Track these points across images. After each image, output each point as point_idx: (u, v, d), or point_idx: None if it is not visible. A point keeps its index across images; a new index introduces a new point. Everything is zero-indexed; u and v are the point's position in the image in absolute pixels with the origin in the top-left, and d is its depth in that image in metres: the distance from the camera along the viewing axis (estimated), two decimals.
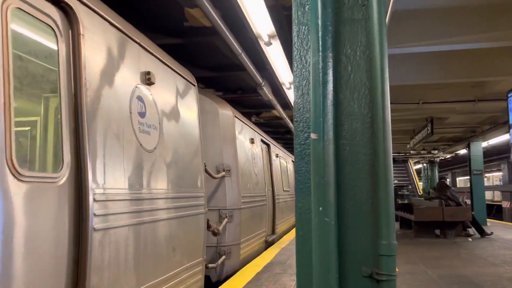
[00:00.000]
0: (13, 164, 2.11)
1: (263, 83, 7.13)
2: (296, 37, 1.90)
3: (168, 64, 4.15)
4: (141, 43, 3.58)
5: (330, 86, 1.76)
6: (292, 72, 1.94)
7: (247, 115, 10.20)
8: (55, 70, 2.63)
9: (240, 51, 5.51)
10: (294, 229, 11.95)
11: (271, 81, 7.45)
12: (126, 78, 3.24)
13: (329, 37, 1.77)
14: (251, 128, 8.10)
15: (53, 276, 2.36)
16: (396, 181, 20.96)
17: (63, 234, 2.47)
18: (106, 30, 3.02)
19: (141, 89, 3.46)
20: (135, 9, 5.00)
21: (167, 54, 4.25)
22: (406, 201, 14.63)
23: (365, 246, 1.72)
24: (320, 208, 1.66)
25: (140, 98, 3.41)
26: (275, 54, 5.52)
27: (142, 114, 3.43)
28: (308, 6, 1.87)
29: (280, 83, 7.08)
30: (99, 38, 2.90)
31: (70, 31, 2.66)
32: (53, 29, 2.55)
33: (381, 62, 1.76)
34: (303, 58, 1.89)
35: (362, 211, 1.75)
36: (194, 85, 4.96)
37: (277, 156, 10.86)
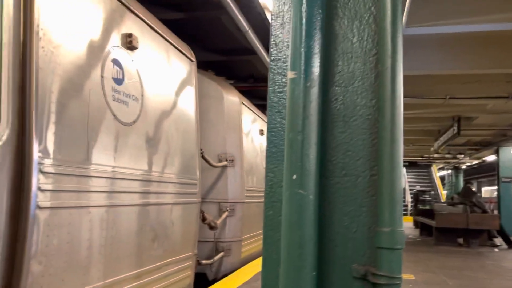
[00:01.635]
0: None
1: None
2: None
3: (160, 32, 3.68)
4: (124, 2, 3.12)
5: (318, 7, 1.23)
6: None
7: (262, 108, 9.69)
8: None
9: (247, 28, 5.02)
10: None
11: None
12: (99, 36, 2.79)
13: None
14: (261, 119, 7.60)
15: None
16: (418, 186, 20.05)
17: None
18: None
19: (120, 52, 3.00)
20: None
21: (159, 21, 3.79)
22: (427, 207, 13.83)
23: (358, 235, 1.19)
24: (294, 176, 1.14)
25: (117, 62, 2.95)
26: None
27: (118, 81, 2.96)
28: None
29: None
30: None
31: None
32: None
33: None
34: None
35: (357, 185, 1.22)
36: (193, 61, 4.49)
37: None
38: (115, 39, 2.97)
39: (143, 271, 3.19)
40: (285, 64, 1.35)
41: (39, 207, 2.15)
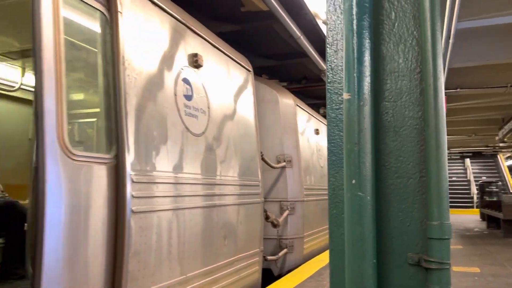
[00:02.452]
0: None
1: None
2: None
3: (220, 47, 4.02)
4: (190, 26, 3.49)
5: (366, 36, 1.46)
6: (326, 26, 1.66)
7: (315, 107, 9.85)
8: (94, 51, 2.62)
9: (299, 34, 5.25)
10: None
11: None
12: (171, 60, 3.16)
13: None
14: (316, 118, 7.78)
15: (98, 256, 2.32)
16: (484, 177, 19.13)
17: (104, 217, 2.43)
18: (148, 9, 2.95)
19: (188, 71, 3.36)
20: None
21: (220, 39, 4.13)
22: (494, 199, 13.23)
23: (411, 229, 1.41)
24: (353, 181, 1.38)
25: (186, 80, 3.32)
26: None
27: (188, 97, 3.33)
28: None
29: None
30: (139, 17, 2.84)
31: (107, 9, 2.62)
32: (96, 8, 2.53)
33: (431, 6, 1.43)
34: (337, 8, 1.61)
35: (408, 186, 1.43)
36: (250, 71, 4.80)
37: None
38: (184, 60, 3.33)
39: (218, 266, 3.53)
40: (340, 85, 1.59)
41: (133, 211, 2.54)
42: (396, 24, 1.52)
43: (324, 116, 9.83)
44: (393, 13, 1.53)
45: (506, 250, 7.38)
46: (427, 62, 1.41)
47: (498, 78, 7.49)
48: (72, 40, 2.45)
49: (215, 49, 3.93)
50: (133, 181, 2.55)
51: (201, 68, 3.55)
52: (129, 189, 2.51)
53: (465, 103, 8.91)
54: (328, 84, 1.60)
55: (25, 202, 4.72)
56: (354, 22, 1.45)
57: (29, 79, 5.12)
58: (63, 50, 2.24)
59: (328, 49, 1.62)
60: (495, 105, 9.62)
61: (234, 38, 5.46)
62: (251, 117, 4.63)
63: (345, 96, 1.45)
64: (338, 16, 1.61)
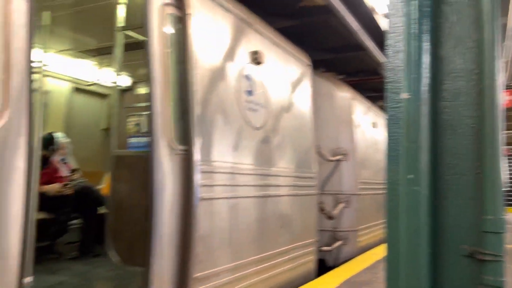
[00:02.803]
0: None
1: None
2: None
3: (279, 43, 4.17)
4: (251, 23, 3.66)
5: (426, 39, 1.55)
6: (388, 29, 1.77)
7: (373, 99, 9.72)
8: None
9: (356, 28, 5.26)
10: None
11: None
12: (235, 57, 3.35)
13: None
14: (373, 111, 7.71)
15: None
16: None
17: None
18: (214, 10, 3.15)
19: (250, 68, 3.54)
20: None
21: (279, 34, 4.27)
22: None
23: (465, 222, 1.49)
24: (410, 176, 1.48)
25: (248, 77, 3.50)
26: None
27: (249, 93, 3.51)
28: None
29: None
30: (207, 18, 3.04)
31: (179, 11, 2.84)
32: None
33: (491, 8, 1.48)
34: (398, 11, 1.70)
35: (463, 182, 1.51)
36: (309, 65, 4.90)
37: None
38: (246, 57, 3.51)
39: (274, 253, 3.72)
40: (399, 85, 1.68)
41: (201, 198, 2.77)
42: (455, 27, 1.59)
43: (382, 109, 9.68)
44: (451, 16, 1.59)
45: None
46: (485, 63, 1.47)
47: None
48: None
49: (275, 45, 4.08)
50: (201, 171, 2.78)
51: (261, 65, 3.72)
52: (198, 178, 2.74)
53: None
54: (388, 84, 1.70)
55: (99, 187, 5.19)
56: (414, 26, 1.54)
57: (104, 75, 5.57)
58: (166, 61, 2.53)
59: (388, 50, 1.72)
60: None
61: (292, 33, 5.57)
62: (308, 110, 4.74)
63: (405, 96, 1.55)
64: (398, 19, 1.69)
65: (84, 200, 4.67)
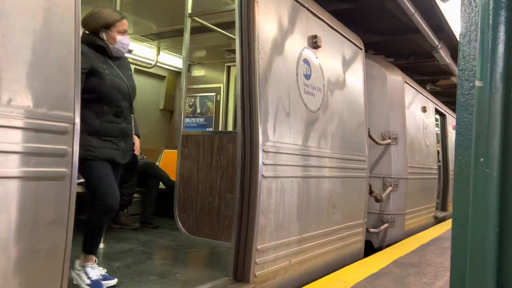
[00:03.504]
0: None
1: (439, 46, 6.57)
2: None
3: (335, 28, 4.23)
4: (309, 8, 3.74)
5: (501, 29, 1.61)
6: (460, 18, 1.83)
7: (422, 83, 9.53)
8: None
9: (413, 11, 5.20)
10: None
11: (449, 42, 6.80)
12: (294, 42, 3.47)
13: None
14: (424, 95, 7.60)
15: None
16: None
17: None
18: None
19: (308, 52, 3.65)
20: None
21: (334, 18, 4.33)
22: None
23: None
24: (481, 159, 1.58)
25: (306, 61, 3.61)
26: (453, 11, 5.02)
27: (307, 76, 3.63)
28: None
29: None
30: (271, 4, 3.17)
31: None
32: None
33: None
34: (472, 2, 1.76)
35: None
36: (361, 49, 4.93)
37: (453, 127, 9.92)
38: (305, 41, 3.62)
39: (328, 231, 3.88)
40: (472, 73, 1.75)
41: (263, 176, 2.95)
42: None
43: (432, 93, 9.48)
44: None
45: None
46: None
47: None
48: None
49: (331, 29, 4.15)
50: (263, 151, 2.95)
51: (319, 49, 3.81)
52: (261, 156, 2.92)
53: None
54: (460, 72, 1.78)
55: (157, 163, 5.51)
56: (490, 17, 1.60)
57: (163, 58, 5.84)
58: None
59: (461, 39, 1.79)
60: None
61: (344, 15, 5.58)
62: (360, 94, 4.79)
63: (477, 83, 1.62)
64: (472, 9, 1.75)
65: (146, 175, 4.99)
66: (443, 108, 9.22)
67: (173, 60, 6.11)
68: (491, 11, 1.64)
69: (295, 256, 3.37)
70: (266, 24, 3.08)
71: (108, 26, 2.69)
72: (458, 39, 6.21)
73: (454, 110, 12.33)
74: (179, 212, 3.23)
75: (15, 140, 1.58)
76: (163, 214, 5.27)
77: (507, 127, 1.67)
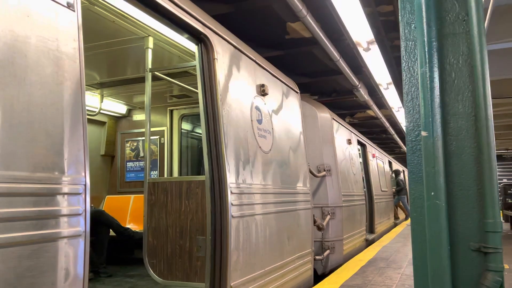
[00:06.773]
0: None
1: (359, 85, 7.40)
2: (404, 51, 2.26)
3: (276, 75, 4.68)
4: (256, 60, 4.15)
5: (436, 91, 2.10)
6: (402, 81, 2.32)
7: (341, 116, 10.47)
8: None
9: (338, 57, 5.88)
10: (394, 229, 11.86)
11: (366, 82, 7.68)
12: (247, 91, 3.83)
13: (434, 51, 2.11)
14: (347, 129, 8.38)
15: None
16: (505, 180, 19.41)
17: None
18: (231, 53, 3.62)
19: (258, 99, 4.03)
20: (238, 25, 5.63)
21: (274, 66, 4.80)
22: None
23: (472, 225, 2.03)
24: (432, 193, 2.01)
25: (257, 108, 3.98)
26: (372, 58, 5.79)
27: (259, 121, 3.99)
28: (414, 25, 2.22)
29: (377, 83, 7.28)
30: (226, 60, 3.51)
31: (206, 57, 3.29)
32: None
33: (481, 67, 2.05)
34: (411, 69, 2.25)
35: (469, 195, 2.05)
36: (298, 92, 5.45)
37: (373, 156, 10.93)
38: (254, 90, 3.99)
39: (285, 262, 4.17)
40: (416, 124, 2.22)
41: (232, 216, 3.19)
42: (455, 81, 2.15)
43: (351, 125, 10.43)
44: (453, 73, 2.16)
45: None
46: (480, 108, 2.04)
47: None
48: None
49: (273, 77, 4.59)
50: (231, 192, 3.21)
51: (266, 96, 4.21)
52: (229, 198, 3.16)
53: (493, 110, 9.43)
54: (407, 123, 2.24)
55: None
56: (428, 82, 2.09)
57: (105, 104, 5.87)
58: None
59: (405, 97, 2.26)
60: None
61: (277, 61, 6.12)
62: (300, 133, 5.27)
63: (423, 133, 2.08)
64: (412, 75, 2.24)
65: (95, 224, 4.92)
66: (363, 139, 10.16)
67: (115, 106, 6.16)
68: (428, 78, 2.13)
69: None
70: (224, 77, 3.41)
71: None
72: (375, 79, 7.08)
73: (371, 139, 13.54)
74: (149, 258, 3.33)
75: (43, 205, 1.70)
76: (114, 261, 5.19)
77: (448, 167, 2.14)
